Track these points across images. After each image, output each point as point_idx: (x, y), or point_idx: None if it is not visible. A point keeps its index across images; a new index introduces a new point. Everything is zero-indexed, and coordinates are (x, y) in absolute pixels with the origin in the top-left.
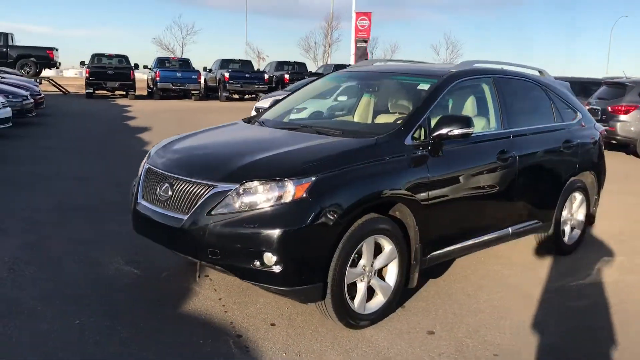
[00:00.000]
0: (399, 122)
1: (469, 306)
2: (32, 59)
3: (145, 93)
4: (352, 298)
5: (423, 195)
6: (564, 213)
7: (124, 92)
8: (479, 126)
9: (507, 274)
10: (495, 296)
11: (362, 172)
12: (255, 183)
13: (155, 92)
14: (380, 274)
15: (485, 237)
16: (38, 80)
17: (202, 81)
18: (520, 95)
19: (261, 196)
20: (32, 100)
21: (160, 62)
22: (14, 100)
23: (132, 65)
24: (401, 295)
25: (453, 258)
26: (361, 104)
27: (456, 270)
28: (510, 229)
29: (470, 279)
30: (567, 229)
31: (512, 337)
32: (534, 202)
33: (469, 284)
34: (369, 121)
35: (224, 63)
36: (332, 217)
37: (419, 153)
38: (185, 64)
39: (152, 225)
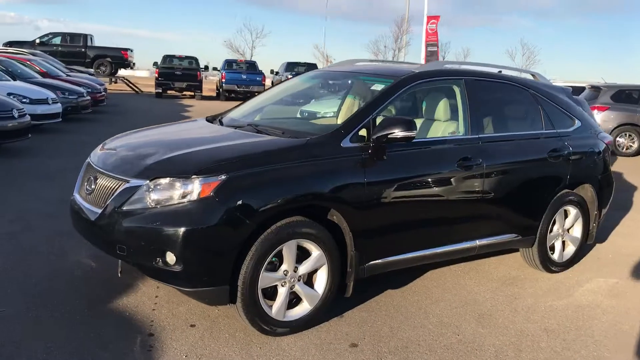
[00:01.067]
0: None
1: (413, 320)
2: (108, 59)
3: (214, 94)
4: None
5: (357, 200)
6: (555, 227)
7: (192, 93)
8: (443, 130)
9: (476, 290)
10: (449, 312)
11: (282, 172)
12: (165, 180)
13: (221, 94)
14: (310, 280)
15: (444, 249)
16: (113, 80)
17: (270, 83)
18: (498, 99)
19: (169, 193)
20: (88, 98)
21: (228, 64)
22: (70, 97)
23: (202, 67)
24: (345, 303)
25: (402, 268)
26: (345, 106)
27: (422, 281)
28: (477, 242)
29: (432, 292)
30: (557, 245)
31: (440, 357)
32: (510, 214)
33: (428, 297)
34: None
35: (290, 66)
36: (240, 218)
37: (357, 156)
38: (251, 66)
39: (79, 219)
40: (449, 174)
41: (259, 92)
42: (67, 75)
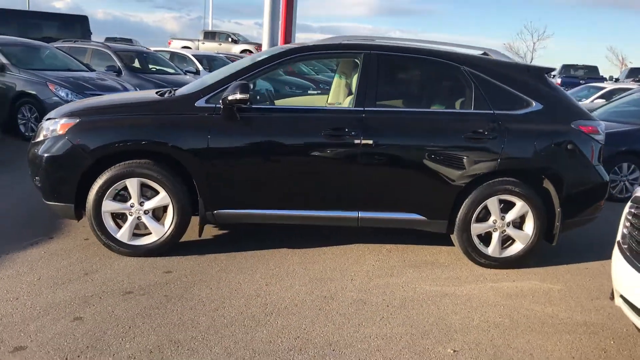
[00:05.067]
0: None
1: (245, 275)
2: None
3: None
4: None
5: (199, 153)
6: (491, 218)
7: None
8: (327, 101)
9: (367, 263)
10: (290, 273)
11: (125, 121)
12: (49, 120)
13: None
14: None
15: (309, 213)
16: None
17: None
18: (408, 75)
19: (48, 130)
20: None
21: None
22: (296, 91)
23: None
24: (217, 246)
25: (267, 223)
26: (333, 85)
27: (329, 249)
28: (359, 214)
29: (315, 257)
30: (495, 237)
31: (215, 292)
32: (404, 193)
33: (302, 260)
34: (341, 101)
35: (565, 68)
36: (80, 153)
37: (207, 115)
38: None
39: None
40: (311, 142)
41: None
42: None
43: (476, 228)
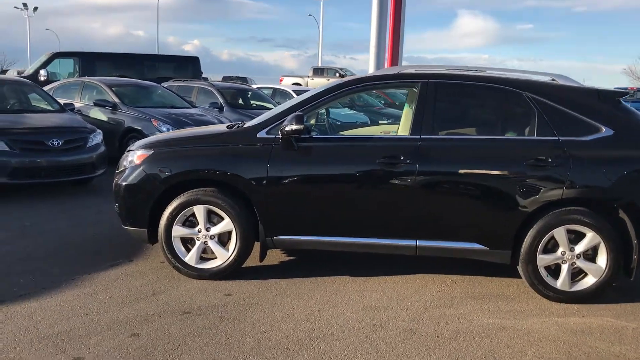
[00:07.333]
0: None
1: (298, 291)
2: None
3: None
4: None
5: (260, 181)
6: (560, 249)
7: None
8: (385, 130)
9: (427, 293)
10: (342, 298)
11: (196, 152)
12: (130, 152)
13: None
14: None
15: (367, 241)
16: None
17: None
18: (467, 102)
19: (128, 161)
20: None
21: None
22: (387, 122)
23: None
24: (274, 272)
25: (321, 249)
26: (403, 115)
27: (389, 278)
28: (417, 242)
29: (369, 283)
30: (564, 269)
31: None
32: (463, 222)
33: (358, 284)
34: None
35: None
36: (153, 181)
37: (267, 145)
38: None
39: None
40: (365, 170)
41: None
42: None
43: (543, 259)
